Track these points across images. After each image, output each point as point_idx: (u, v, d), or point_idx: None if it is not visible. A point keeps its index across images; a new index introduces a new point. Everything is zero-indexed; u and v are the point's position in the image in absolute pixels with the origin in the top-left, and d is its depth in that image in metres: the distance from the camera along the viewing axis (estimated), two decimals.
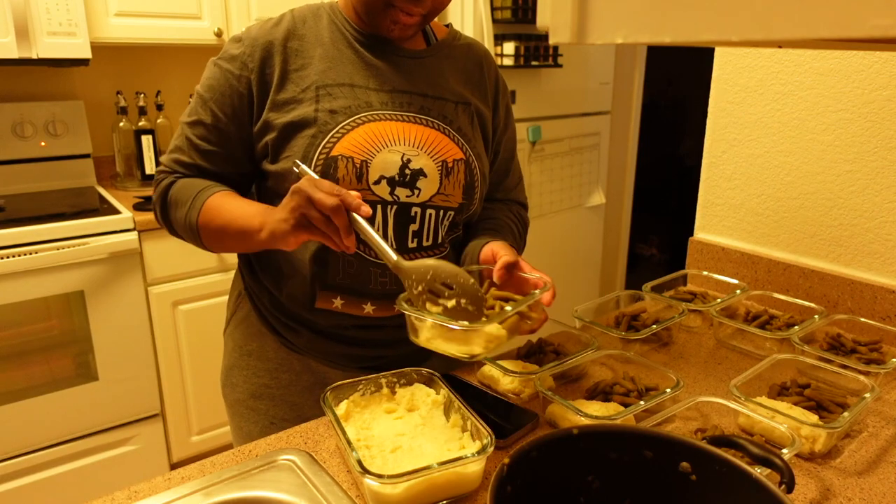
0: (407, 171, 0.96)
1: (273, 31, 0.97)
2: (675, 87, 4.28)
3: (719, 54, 1.43)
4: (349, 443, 0.75)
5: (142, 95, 2.37)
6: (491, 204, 1.15)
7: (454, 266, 0.82)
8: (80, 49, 1.98)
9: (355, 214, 0.82)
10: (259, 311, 1.08)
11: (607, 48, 2.93)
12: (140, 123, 2.36)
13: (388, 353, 1.06)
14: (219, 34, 2.26)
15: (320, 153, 0.93)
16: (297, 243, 0.86)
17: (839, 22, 0.29)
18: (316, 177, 0.86)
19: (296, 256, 1.00)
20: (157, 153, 2.39)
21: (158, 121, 2.43)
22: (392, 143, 0.95)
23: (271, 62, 0.96)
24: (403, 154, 0.95)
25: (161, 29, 2.17)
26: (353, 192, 0.82)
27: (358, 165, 0.93)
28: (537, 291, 0.87)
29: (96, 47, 2.06)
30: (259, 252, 1.05)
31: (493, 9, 2.40)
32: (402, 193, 0.96)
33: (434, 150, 0.98)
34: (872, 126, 1.20)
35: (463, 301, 0.80)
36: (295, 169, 0.90)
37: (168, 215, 1.01)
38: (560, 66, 2.63)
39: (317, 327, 1.04)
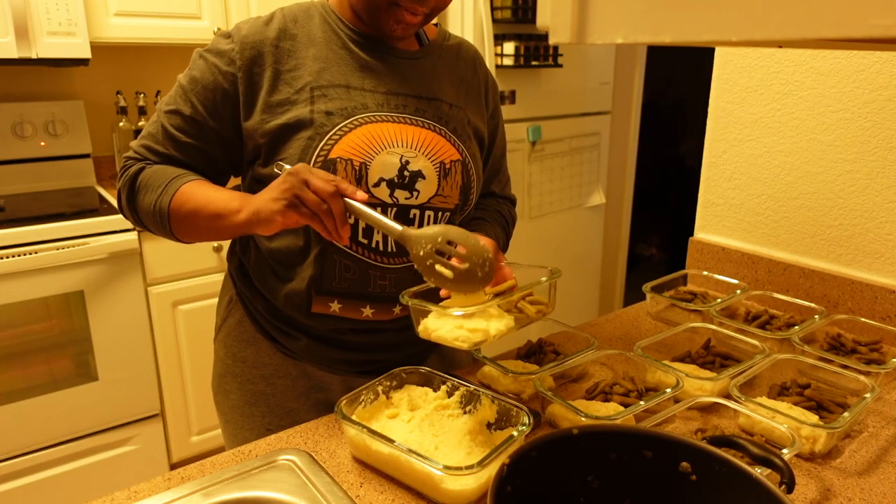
0: (406, 173, 0.95)
1: (264, 30, 0.95)
2: (675, 87, 4.28)
3: (719, 54, 1.43)
4: (412, 451, 0.74)
5: (142, 95, 2.37)
6: (483, 200, 1.16)
7: (461, 228, 0.83)
8: (79, 49, 1.98)
9: (350, 200, 0.82)
10: (253, 317, 1.07)
11: (607, 48, 2.93)
12: (140, 123, 2.36)
13: (385, 357, 1.06)
14: None
15: (318, 155, 0.92)
16: (280, 226, 0.85)
17: (839, 22, 0.29)
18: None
19: (292, 261, 0.99)
20: None
21: None
22: (390, 144, 0.94)
23: (261, 61, 0.94)
24: (402, 156, 0.95)
25: (161, 29, 2.17)
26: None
27: (357, 168, 0.92)
28: (544, 279, 0.89)
29: (96, 47, 2.06)
30: (252, 256, 1.04)
31: (493, 9, 2.39)
32: (401, 195, 0.95)
33: (431, 151, 0.97)
34: (873, 126, 1.20)
35: (474, 261, 0.80)
36: (277, 171, 0.89)
37: (134, 201, 0.97)
38: (560, 66, 2.63)
39: (314, 332, 1.03)
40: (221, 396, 1.11)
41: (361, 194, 0.83)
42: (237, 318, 1.09)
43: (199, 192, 0.92)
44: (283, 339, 1.05)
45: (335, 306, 0.99)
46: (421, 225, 0.98)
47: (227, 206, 0.89)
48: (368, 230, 0.95)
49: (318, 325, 1.02)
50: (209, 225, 0.92)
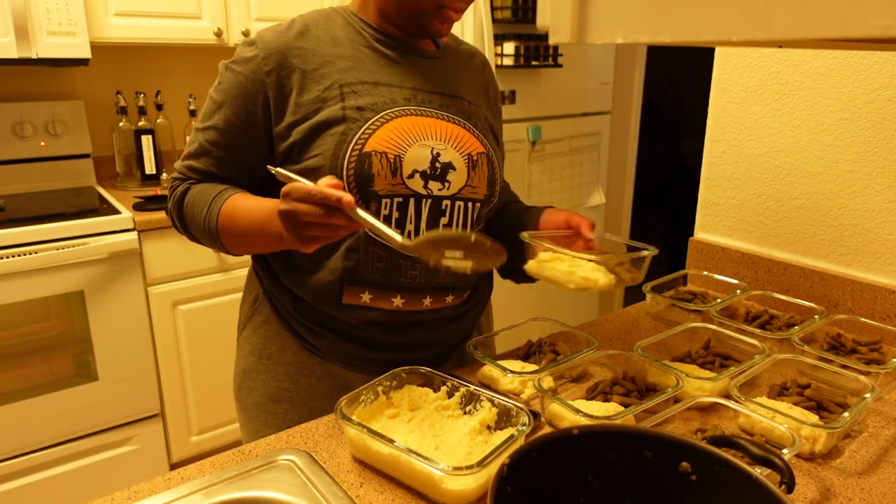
0: (437, 165, 0.97)
1: (287, 34, 0.98)
2: (675, 87, 4.28)
3: (719, 54, 1.43)
4: (412, 451, 0.73)
5: (142, 95, 2.37)
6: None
7: (454, 230, 0.94)
8: (79, 49, 1.98)
9: (349, 210, 0.80)
10: (280, 315, 1.07)
11: (607, 48, 2.93)
12: (140, 123, 2.37)
13: (411, 357, 1.06)
14: (218, 34, 2.26)
15: (353, 149, 0.93)
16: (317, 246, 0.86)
17: (839, 22, 0.29)
18: (293, 176, 0.82)
19: (321, 254, 1.00)
20: (157, 153, 2.39)
21: (158, 121, 2.43)
22: (421, 137, 0.97)
23: (288, 64, 0.96)
24: (433, 148, 0.97)
25: (161, 29, 2.17)
26: (325, 182, 0.79)
27: (392, 160, 0.94)
28: (646, 252, 0.98)
29: (96, 47, 2.06)
30: (279, 252, 1.04)
31: (493, 9, 2.39)
32: (434, 186, 0.97)
33: (459, 144, 1.00)
34: (873, 126, 1.20)
35: (473, 246, 0.86)
36: (271, 170, 0.86)
37: (186, 224, 1.02)
38: (560, 66, 2.63)
39: (341, 329, 1.03)
40: (244, 393, 1.12)
41: (348, 197, 0.77)
42: (263, 315, 1.09)
43: (239, 213, 0.95)
44: (310, 337, 1.05)
45: (366, 297, 1.00)
46: (452, 218, 1.00)
47: (266, 229, 0.90)
48: (400, 221, 0.97)
49: (348, 318, 1.02)
50: (261, 246, 1.00)
